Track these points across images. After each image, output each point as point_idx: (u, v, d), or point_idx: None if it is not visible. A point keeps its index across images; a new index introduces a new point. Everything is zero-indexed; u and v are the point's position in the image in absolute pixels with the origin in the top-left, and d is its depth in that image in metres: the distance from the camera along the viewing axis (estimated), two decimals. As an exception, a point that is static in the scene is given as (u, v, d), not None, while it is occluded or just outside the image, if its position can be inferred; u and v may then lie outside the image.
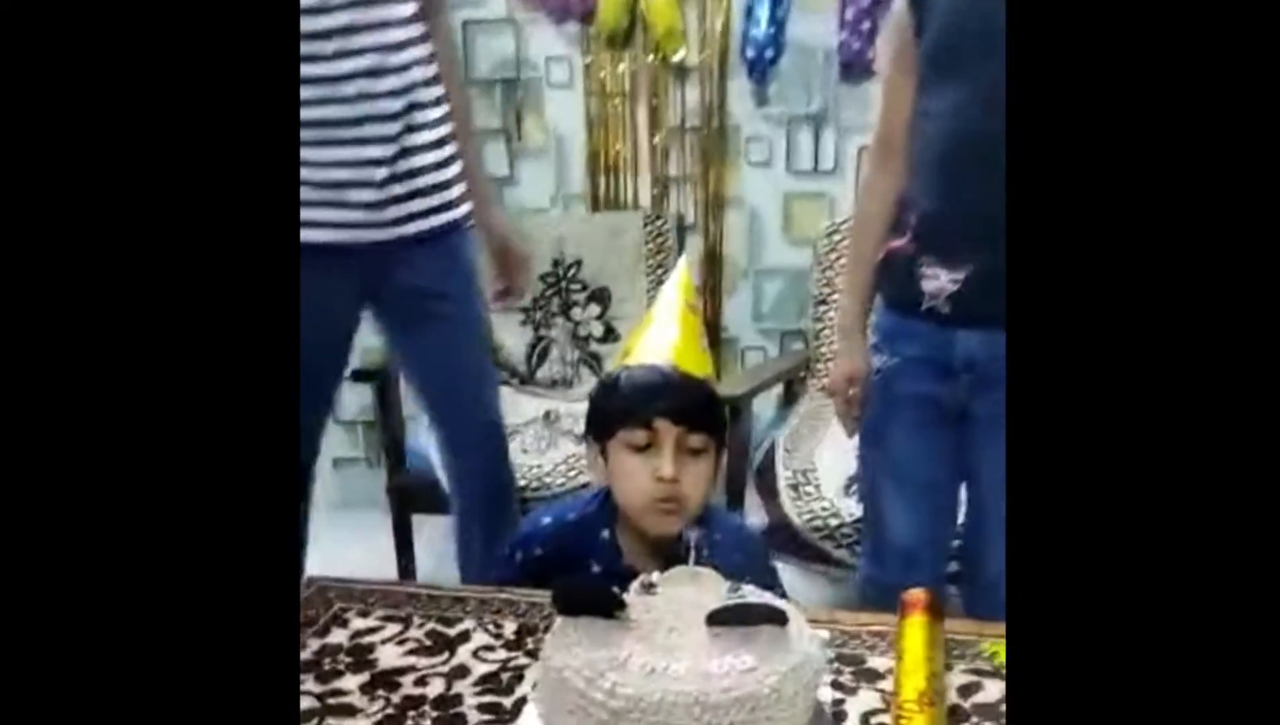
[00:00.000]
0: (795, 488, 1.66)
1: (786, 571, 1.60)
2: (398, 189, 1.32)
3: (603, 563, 1.12)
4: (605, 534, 1.13)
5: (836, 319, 1.56)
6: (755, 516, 1.65)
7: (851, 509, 1.59)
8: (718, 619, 0.83)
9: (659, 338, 1.09)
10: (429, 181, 1.35)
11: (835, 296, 2.03)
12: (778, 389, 2.10)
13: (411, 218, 1.35)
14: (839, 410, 1.37)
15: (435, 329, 1.41)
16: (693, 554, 0.94)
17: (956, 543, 1.31)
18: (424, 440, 1.84)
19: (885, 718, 0.83)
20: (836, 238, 2.00)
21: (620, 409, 1.08)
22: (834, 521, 1.59)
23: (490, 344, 1.72)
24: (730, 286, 2.25)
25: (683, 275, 1.15)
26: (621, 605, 0.85)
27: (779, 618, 0.84)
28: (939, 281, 1.14)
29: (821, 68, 2.07)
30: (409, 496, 1.86)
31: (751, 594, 0.87)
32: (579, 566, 1.11)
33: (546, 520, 1.18)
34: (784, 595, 1.25)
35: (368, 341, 1.62)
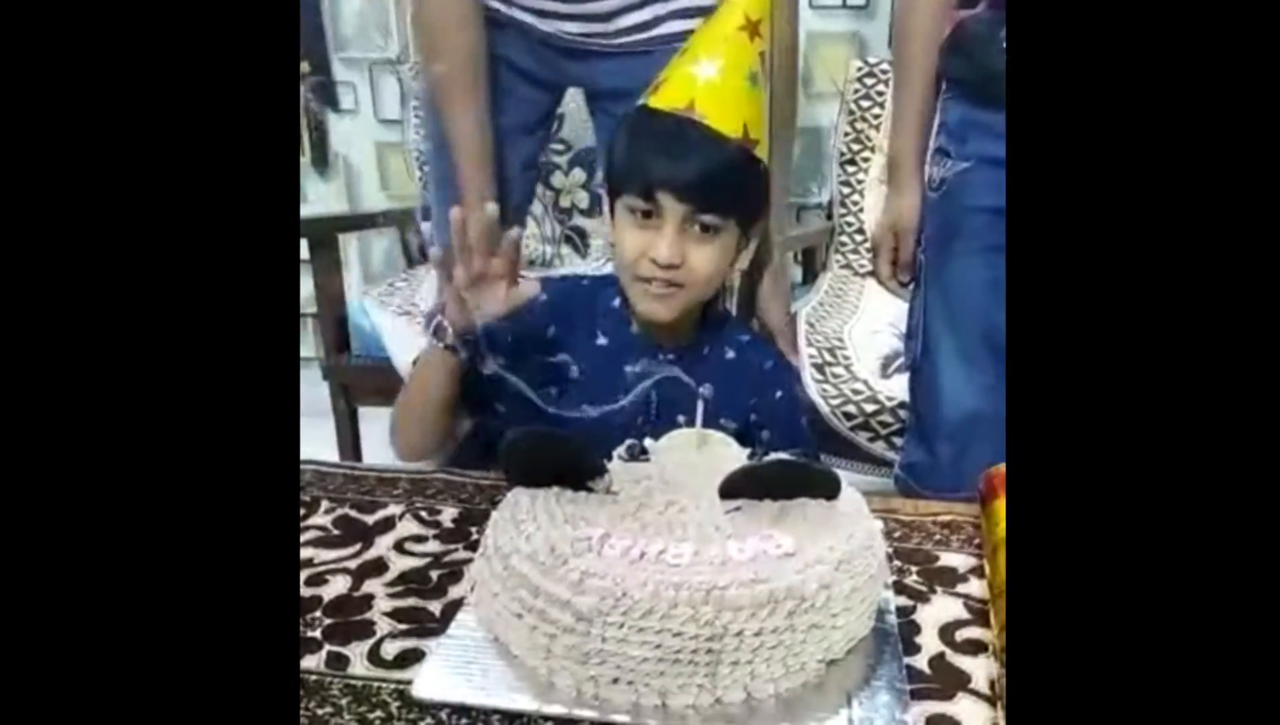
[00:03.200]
0: (820, 368, 1.39)
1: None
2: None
3: (607, 331, 0.94)
4: (615, 300, 0.94)
5: (885, 154, 1.24)
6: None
7: (890, 392, 1.33)
8: (737, 487, 0.58)
9: (690, 71, 0.83)
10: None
11: (865, 155, 1.74)
12: (793, 262, 1.81)
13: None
14: (881, 270, 1.12)
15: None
16: (700, 408, 0.68)
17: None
18: (375, 316, 1.57)
19: (975, 630, 0.58)
20: (870, 82, 1.69)
21: (622, 165, 0.85)
22: (870, 407, 1.32)
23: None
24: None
25: None
26: (600, 471, 0.59)
27: (827, 486, 0.58)
28: None
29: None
30: (355, 384, 1.60)
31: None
32: (584, 331, 0.94)
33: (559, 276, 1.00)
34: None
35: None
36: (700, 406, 0.68)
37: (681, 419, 0.93)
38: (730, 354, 0.98)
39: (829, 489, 0.58)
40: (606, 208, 0.91)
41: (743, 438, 0.95)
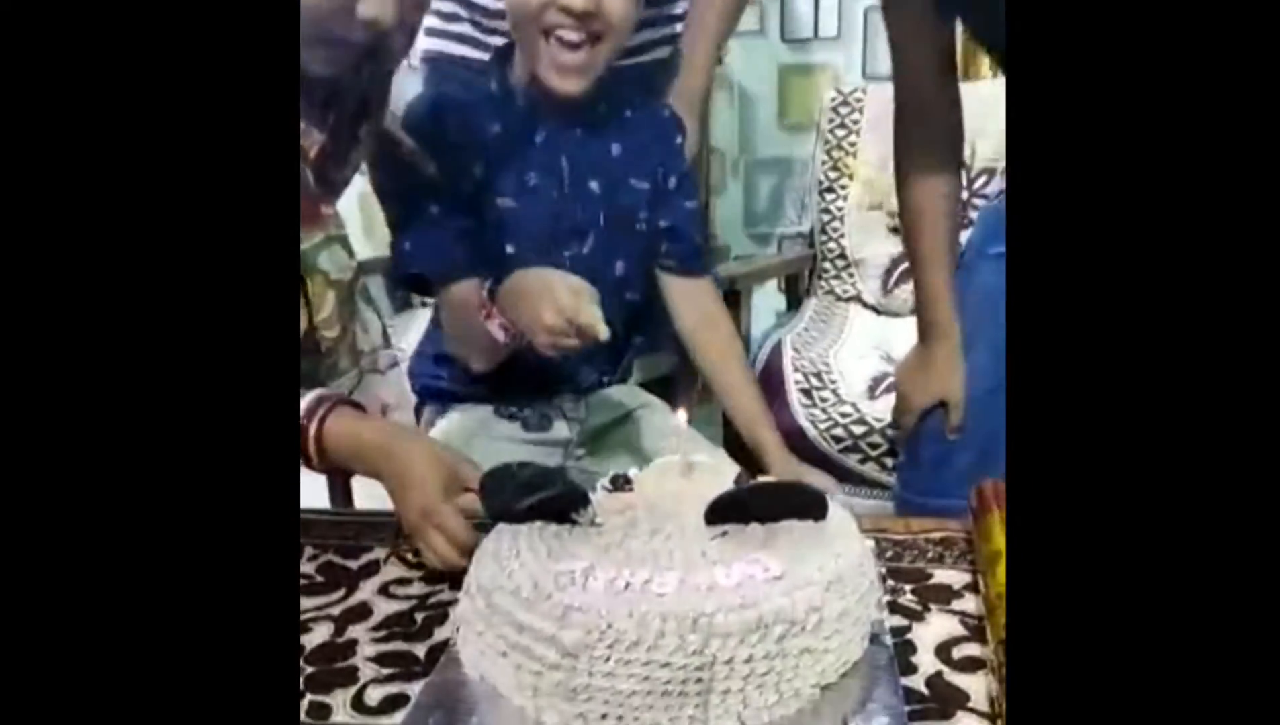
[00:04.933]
0: (808, 393, 1.39)
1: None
2: None
3: (498, 117, 0.91)
4: (494, 85, 0.92)
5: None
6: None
7: (878, 413, 1.32)
8: (724, 512, 0.57)
9: None
10: None
11: (843, 183, 1.75)
12: (776, 290, 1.82)
13: None
14: (905, 421, 1.00)
15: None
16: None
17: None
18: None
19: (972, 647, 0.57)
20: (845, 111, 1.71)
21: None
22: (858, 428, 1.32)
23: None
24: (718, 184, 1.95)
25: None
26: (583, 502, 0.58)
27: (815, 507, 0.57)
28: None
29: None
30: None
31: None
32: (477, 127, 0.92)
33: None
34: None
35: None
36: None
37: (594, 185, 0.97)
38: (628, 112, 0.97)
39: (816, 509, 0.57)
40: None
41: (657, 198, 0.98)
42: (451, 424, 1.09)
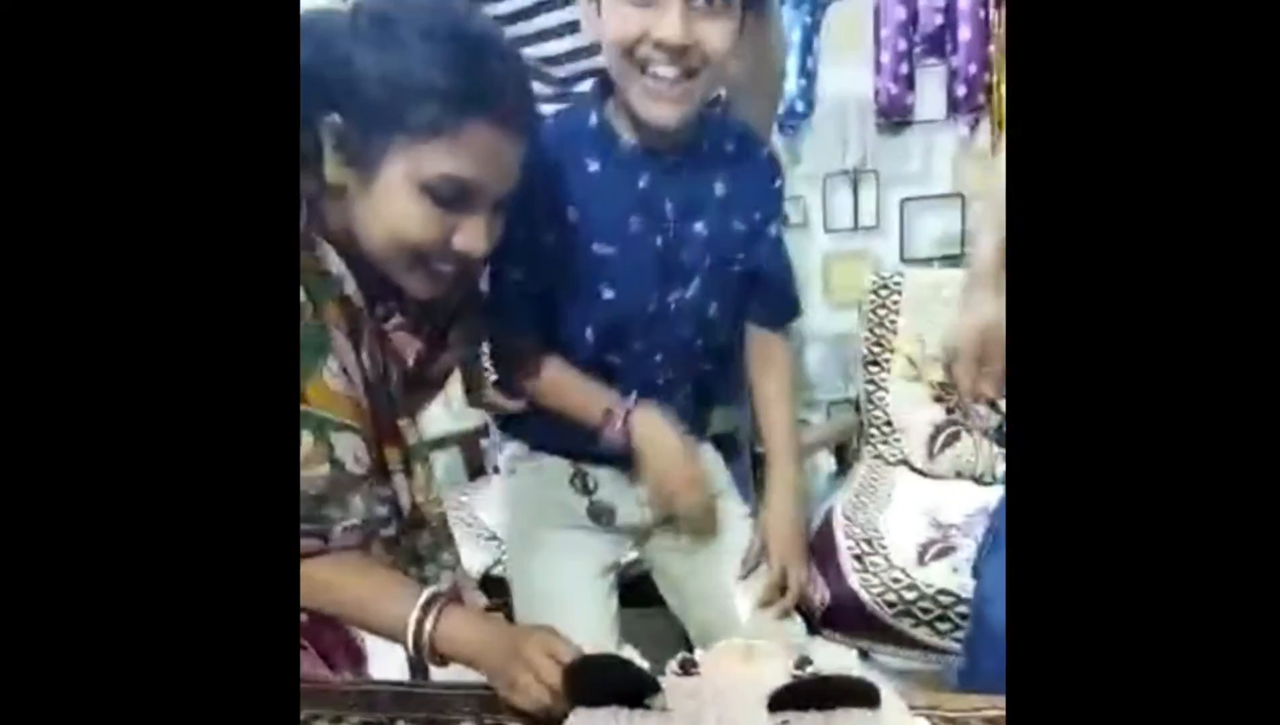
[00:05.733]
0: (859, 558, 1.49)
1: (848, 658, 1.43)
2: None
3: (597, 154, 0.88)
4: (593, 118, 0.88)
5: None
6: (814, 592, 1.47)
7: (928, 579, 1.42)
8: (784, 700, 0.68)
9: None
10: None
11: (885, 356, 1.90)
12: (828, 457, 1.94)
13: None
14: (963, 382, 0.92)
15: None
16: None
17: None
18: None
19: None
20: (885, 293, 1.87)
21: None
22: (910, 594, 1.41)
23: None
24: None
25: None
26: (655, 689, 0.70)
27: (867, 696, 0.68)
28: None
29: (857, 119, 1.98)
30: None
31: (827, 667, 0.72)
32: (574, 165, 0.87)
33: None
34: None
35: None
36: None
37: (699, 226, 0.92)
38: (730, 146, 0.94)
39: (870, 698, 0.68)
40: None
41: (753, 241, 0.96)
42: (520, 491, 1.10)
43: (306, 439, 0.76)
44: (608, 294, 0.93)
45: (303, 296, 0.76)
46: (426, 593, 0.81)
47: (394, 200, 0.77)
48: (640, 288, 0.95)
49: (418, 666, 0.96)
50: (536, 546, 1.08)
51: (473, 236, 0.79)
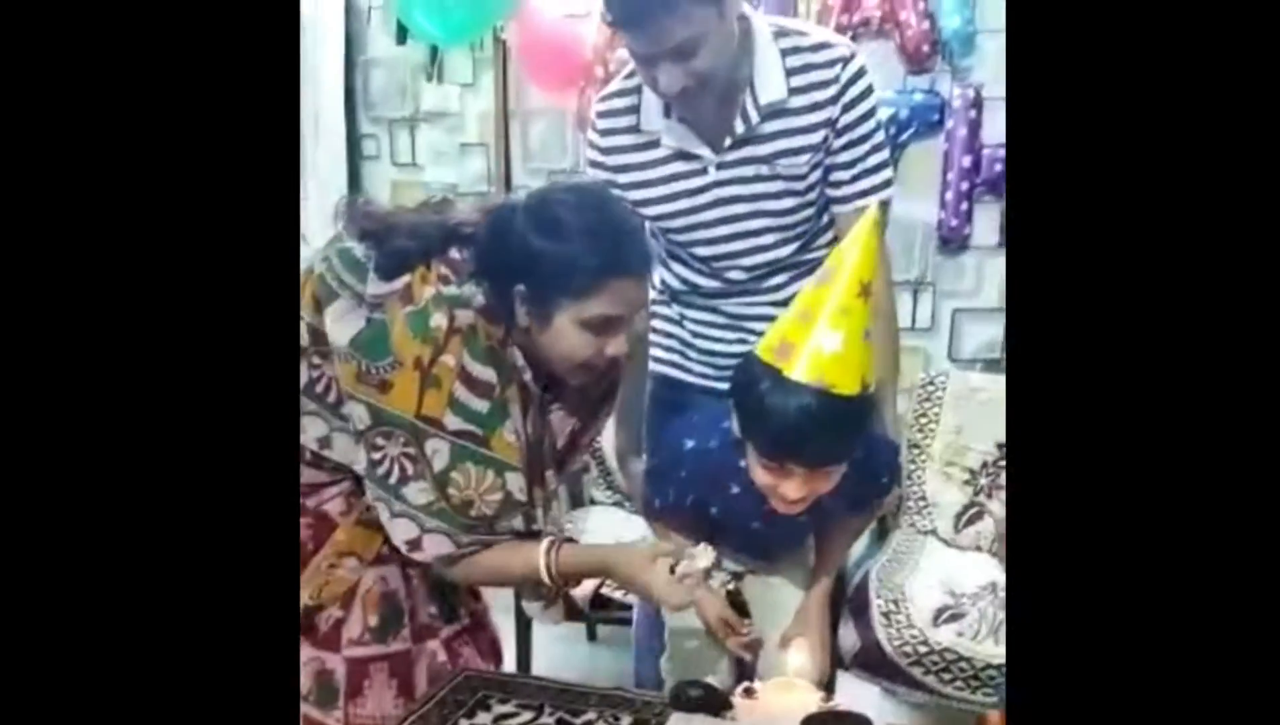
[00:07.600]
0: (887, 615, 1.85)
1: (871, 692, 1.80)
2: None
3: (740, 484, 1.19)
4: (742, 462, 1.16)
5: None
6: (848, 637, 1.84)
7: (939, 639, 1.78)
8: (813, 722, 1.04)
9: (817, 345, 0.91)
10: None
11: (927, 441, 2.25)
12: (872, 524, 2.30)
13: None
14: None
15: None
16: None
17: None
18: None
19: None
20: (930, 389, 2.23)
21: (759, 431, 1.04)
22: (923, 649, 1.78)
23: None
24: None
25: (864, 237, 0.90)
26: (728, 705, 1.06)
27: (862, 725, 1.03)
28: None
29: (922, 240, 2.35)
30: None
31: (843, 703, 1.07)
32: (717, 486, 1.21)
33: (690, 444, 1.24)
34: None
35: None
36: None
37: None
38: (859, 452, 1.12)
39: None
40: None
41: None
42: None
43: (489, 474, 1.15)
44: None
45: (494, 377, 1.15)
46: (546, 540, 1.17)
47: (565, 336, 1.15)
48: None
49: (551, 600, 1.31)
50: None
51: (618, 346, 1.15)
